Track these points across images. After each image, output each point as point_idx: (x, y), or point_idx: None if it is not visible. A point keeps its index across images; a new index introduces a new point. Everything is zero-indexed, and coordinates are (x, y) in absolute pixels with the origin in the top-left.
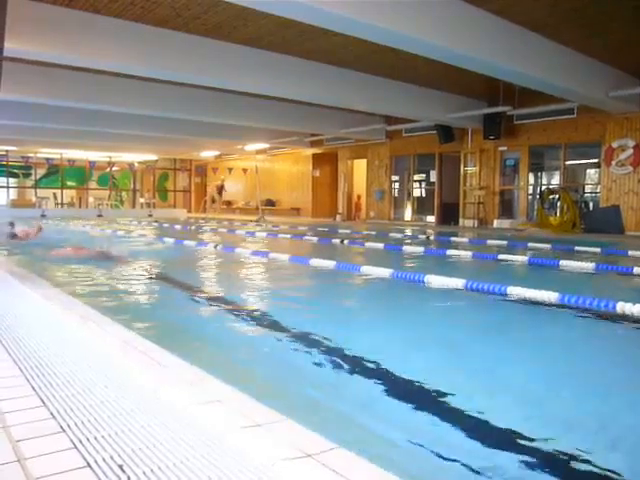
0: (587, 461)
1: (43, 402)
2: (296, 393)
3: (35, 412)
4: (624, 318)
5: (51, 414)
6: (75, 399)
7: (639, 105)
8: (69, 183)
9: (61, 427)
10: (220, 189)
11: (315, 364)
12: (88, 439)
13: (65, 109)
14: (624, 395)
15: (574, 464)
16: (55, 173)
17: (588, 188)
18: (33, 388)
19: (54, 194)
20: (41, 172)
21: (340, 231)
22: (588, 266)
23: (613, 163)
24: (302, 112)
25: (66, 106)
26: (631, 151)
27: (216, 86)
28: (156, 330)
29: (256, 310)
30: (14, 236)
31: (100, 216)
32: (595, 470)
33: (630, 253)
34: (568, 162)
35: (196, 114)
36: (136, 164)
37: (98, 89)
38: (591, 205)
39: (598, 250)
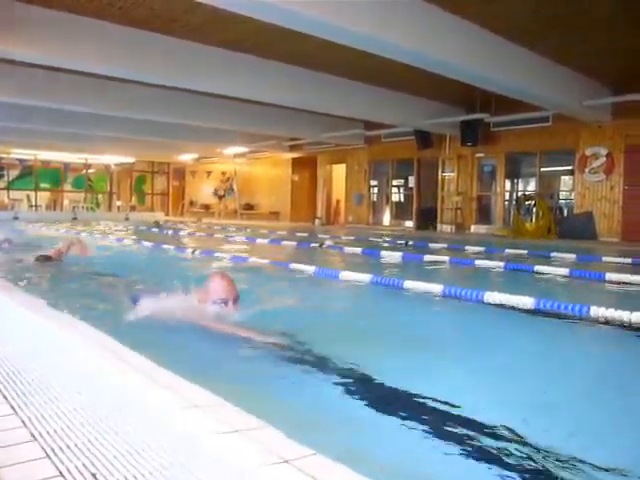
0: None
1: (14, 410)
2: None
3: (5, 420)
4: None
5: (22, 422)
6: (47, 406)
7: (611, 114)
8: (43, 185)
9: (32, 435)
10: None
11: None
12: (60, 448)
13: (39, 109)
14: None
15: None
16: (29, 174)
17: (562, 195)
18: (4, 397)
19: (28, 196)
20: (14, 173)
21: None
22: None
23: (586, 170)
24: (281, 116)
25: (40, 106)
26: (604, 159)
27: (195, 89)
28: (135, 335)
29: None
30: (47, 258)
31: (75, 219)
32: None
33: None
34: (543, 169)
35: (174, 117)
36: (113, 166)
37: (73, 89)
38: (565, 211)
39: None
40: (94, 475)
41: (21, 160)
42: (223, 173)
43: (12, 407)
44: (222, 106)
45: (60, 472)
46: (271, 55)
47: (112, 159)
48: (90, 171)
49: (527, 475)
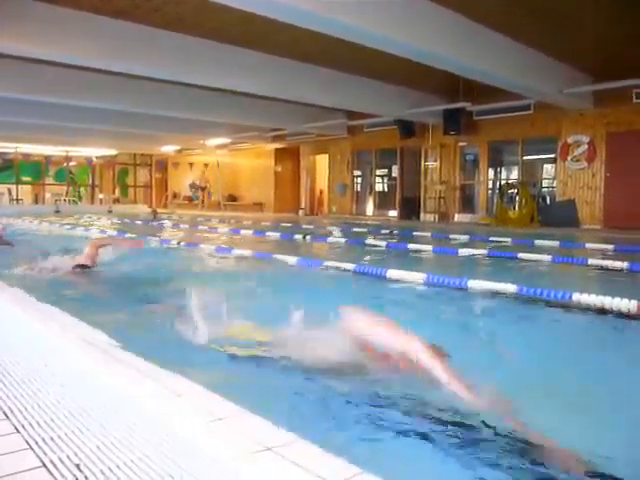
0: None
1: None
2: None
3: None
4: None
5: (5, 415)
6: (30, 399)
7: (593, 102)
8: (24, 178)
9: (15, 428)
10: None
11: None
12: (44, 439)
13: (19, 101)
14: None
15: None
16: (9, 168)
17: (545, 183)
18: None
19: (9, 190)
20: None
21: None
22: None
23: (569, 158)
24: (263, 106)
25: (20, 99)
26: (585, 147)
27: (176, 80)
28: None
29: None
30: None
31: (58, 212)
32: None
33: None
34: (526, 157)
35: (155, 108)
36: (94, 159)
37: (54, 81)
38: (548, 199)
39: None
40: (77, 466)
41: (1, 153)
42: (205, 165)
43: None
44: (204, 97)
45: (43, 463)
46: (254, 45)
47: (94, 151)
48: (72, 164)
49: None
